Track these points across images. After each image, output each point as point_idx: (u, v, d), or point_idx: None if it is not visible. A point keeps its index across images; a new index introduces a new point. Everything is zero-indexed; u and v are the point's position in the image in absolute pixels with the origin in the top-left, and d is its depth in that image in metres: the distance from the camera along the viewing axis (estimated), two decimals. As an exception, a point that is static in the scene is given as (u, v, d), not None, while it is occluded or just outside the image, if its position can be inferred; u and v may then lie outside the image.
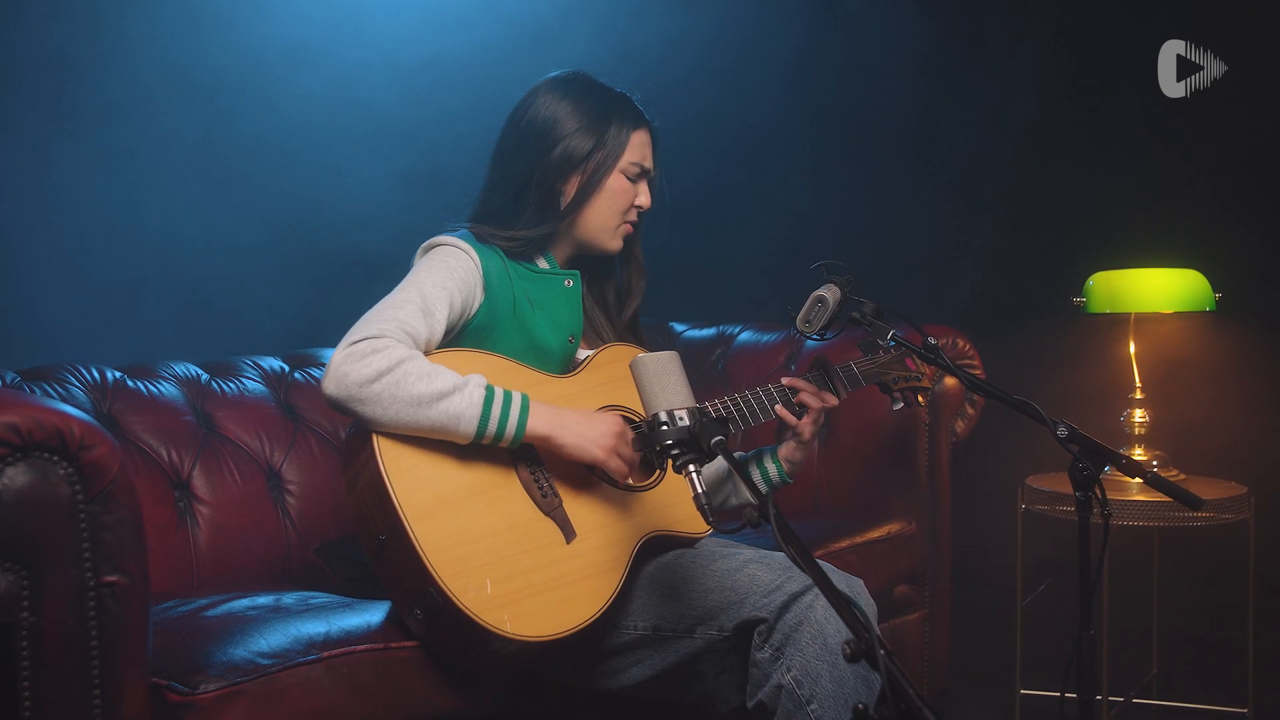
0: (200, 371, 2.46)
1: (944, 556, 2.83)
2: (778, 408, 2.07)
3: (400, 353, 1.74)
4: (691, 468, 1.52)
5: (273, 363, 2.58)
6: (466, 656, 1.79)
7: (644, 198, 2.08)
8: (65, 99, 2.70)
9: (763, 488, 2.17)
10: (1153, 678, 3.06)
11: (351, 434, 1.83)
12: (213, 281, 2.91)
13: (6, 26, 2.63)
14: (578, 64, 2.14)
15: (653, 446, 1.53)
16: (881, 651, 1.19)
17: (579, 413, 1.85)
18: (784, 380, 2.10)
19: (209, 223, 2.90)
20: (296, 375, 2.56)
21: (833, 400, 2.11)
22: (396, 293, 1.87)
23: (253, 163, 2.97)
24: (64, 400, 2.18)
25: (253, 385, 2.49)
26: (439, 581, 1.69)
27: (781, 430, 2.15)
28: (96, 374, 2.29)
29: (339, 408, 1.75)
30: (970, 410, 2.89)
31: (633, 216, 2.08)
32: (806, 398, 2.08)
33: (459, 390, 1.75)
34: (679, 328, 3.28)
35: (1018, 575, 2.91)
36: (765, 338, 3.09)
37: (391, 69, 3.20)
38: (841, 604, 1.28)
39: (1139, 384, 3.02)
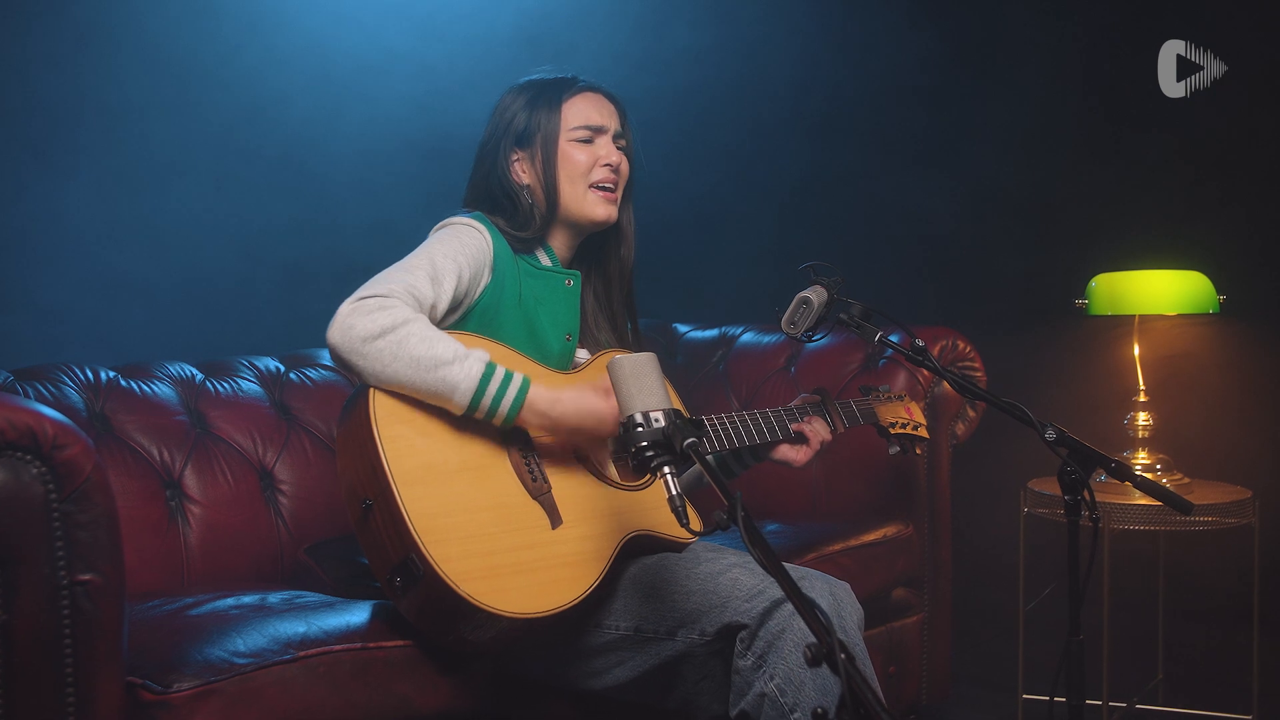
0: (195, 371, 2.47)
1: (943, 560, 2.81)
2: (780, 448, 2.11)
3: (406, 313, 1.76)
4: (666, 470, 1.50)
5: (269, 363, 2.59)
6: (443, 631, 1.77)
7: (604, 152, 2.07)
8: (70, 100, 2.72)
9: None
10: (1157, 683, 3.03)
11: (348, 404, 1.83)
12: (215, 282, 2.93)
13: (13, 30, 2.65)
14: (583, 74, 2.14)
15: (627, 448, 1.52)
16: (842, 656, 1.17)
17: (577, 398, 1.83)
18: (799, 398, 2.15)
19: (212, 223, 2.92)
20: (291, 376, 2.57)
21: (829, 437, 2.14)
22: (408, 259, 1.90)
23: (255, 164, 2.98)
24: (56, 400, 2.20)
25: (247, 385, 2.49)
26: (421, 547, 1.68)
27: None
28: (90, 373, 2.30)
29: (339, 359, 1.76)
30: (971, 413, 2.87)
31: (601, 175, 2.06)
32: (808, 429, 2.11)
33: (459, 360, 1.76)
34: (682, 329, 3.28)
35: (1019, 579, 2.89)
36: (767, 339, 3.09)
37: (394, 75, 3.20)
38: (804, 607, 1.27)
39: (1143, 387, 2.99)
